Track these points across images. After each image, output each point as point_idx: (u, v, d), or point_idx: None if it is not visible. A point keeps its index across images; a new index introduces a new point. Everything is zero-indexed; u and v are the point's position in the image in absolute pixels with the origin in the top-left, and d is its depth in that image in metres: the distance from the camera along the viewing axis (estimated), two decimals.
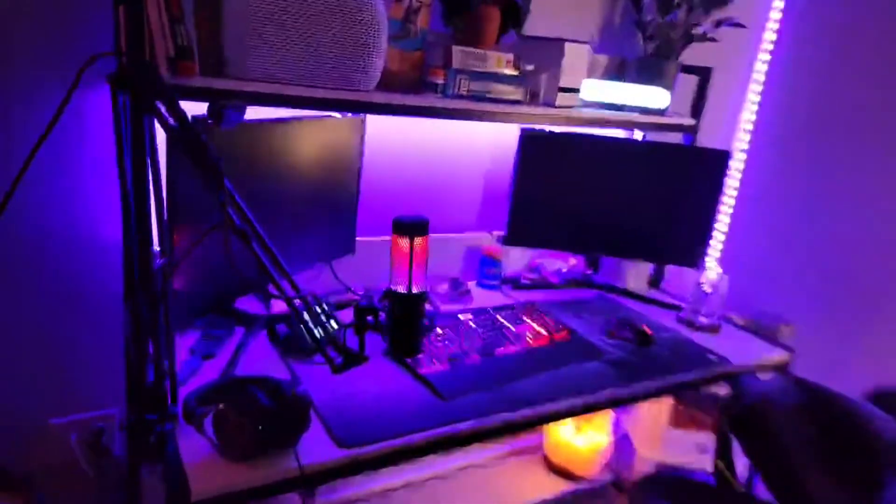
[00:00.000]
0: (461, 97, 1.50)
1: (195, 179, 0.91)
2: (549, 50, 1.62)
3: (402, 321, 1.09)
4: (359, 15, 1.25)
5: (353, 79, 1.30)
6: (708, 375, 1.55)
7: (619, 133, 2.09)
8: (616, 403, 1.41)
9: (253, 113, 1.27)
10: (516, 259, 2.01)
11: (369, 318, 1.06)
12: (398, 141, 1.71)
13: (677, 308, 1.89)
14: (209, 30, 1.15)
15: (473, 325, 1.53)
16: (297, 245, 1.45)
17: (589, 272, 2.09)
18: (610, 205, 1.89)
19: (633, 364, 1.50)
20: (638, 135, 2.13)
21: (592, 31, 1.93)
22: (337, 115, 1.48)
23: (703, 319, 1.79)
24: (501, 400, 1.28)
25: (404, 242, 1.03)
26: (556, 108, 1.64)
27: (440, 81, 1.47)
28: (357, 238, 1.66)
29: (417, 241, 1.05)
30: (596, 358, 1.51)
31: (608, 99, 1.82)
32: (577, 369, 1.44)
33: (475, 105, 1.50)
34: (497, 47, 1.61)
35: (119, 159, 0.93)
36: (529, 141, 1.80)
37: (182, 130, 0.87)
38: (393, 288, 1.07)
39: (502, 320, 1.59)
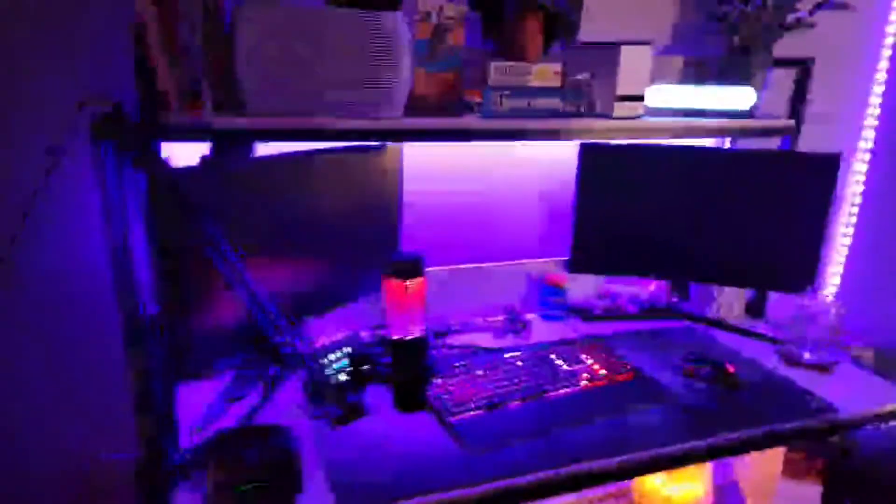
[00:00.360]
0: (501, 115, 1.38)
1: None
2: (604, 56, 1.46)
3: (399, 371, 0.99)
4: (376, 40, 1.17)
5: (373, 106, 1.22)
6: (806, 426, 1.28)
7: (707, 142, 1.85)
8: (681, 461, 1.20)
9: (275, 148, 1.25)
10: (587, 286, 1.83)
11: (366, 367, 0.97)
12: (444, 167, 1.62)
13: (779, 342, 1.61)
14: (221, 65, 1.13)
15: (521, 364, 1.39)
16: (339, 279, 1.39)
17: (675, 300, 1.85)
18: (692, 223, 1.66)
19: (708, 411, 1.29)
20: (729, 143, 1.88)
21: (663, 30, 1.73)
22: (373, 143, 1.41)
23: (808, 355, 1.51)
24: (542, 453, 1.13)
25: (396, 284, 0.93)
26: (613, 119, 1.46)
27: (477, 100, 1.36)
28: None
29: (411, 282, 0.94)
30: (662, 402, 1.30)
31: (682, 104, 1.61)
32: (638, 417, 1.25)
33: (518, 123, 1.37)
34: (545, 58, 1.47)
35: (103, 208, 0.92)
36: (590, 155, 1.64)
37: (159, 178, 0.83)
38: (388, 334, 0.97)
39: (555, 358, 1.43)
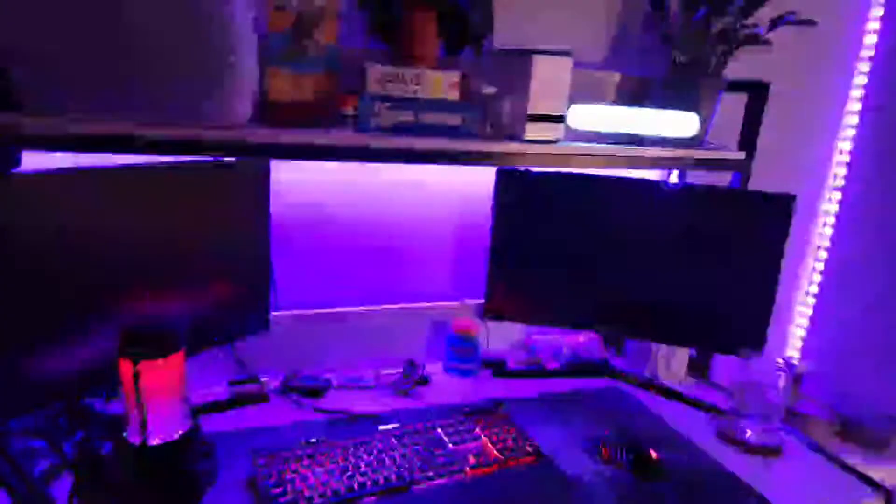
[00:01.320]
0: (381, 131, 1.12)
1: None
2: (515, 66, 1.21)
3: (151, 489, 0.69)
4: (197, 26, 0.91)
5: (200, 111, 0.96)
6: None
7: (652, 174, 1.61)
8: None
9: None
10: (511, 334, 1.57)
11: (98, 479, 0.68)
12: (332, 190, 1.35)
13: (720, 413, 1.36)
14: None
15: (394, 441, 1.12)
16: (179, 326, 1.10)
17: (606, 355, 1.59)
18: (626, 268, 1.40)
19: None
20: (676, 177, 1.64)
21: (599, 42, 1.49)
22: (230, 159, 1.14)
23: (750, 434, 1.26)
24: None
25: (127, 369, 0.65)
26: (525, 142, 1.21)
27: (350, 112, 1.11)
28: (276, 313, 1.30)
29: (151, 365, 0.66)
30: (565, 499, 1.04)
31: (615, 128, 1.36)
32: None
33: (401, 141, 1.12)
34: (445, 63, 1.22)
35: None
36: (507, 183, 1.38)
37: None
38: (129, 437, 0.68)
39: (441, 433, 1.16)
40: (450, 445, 1.13)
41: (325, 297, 1.40)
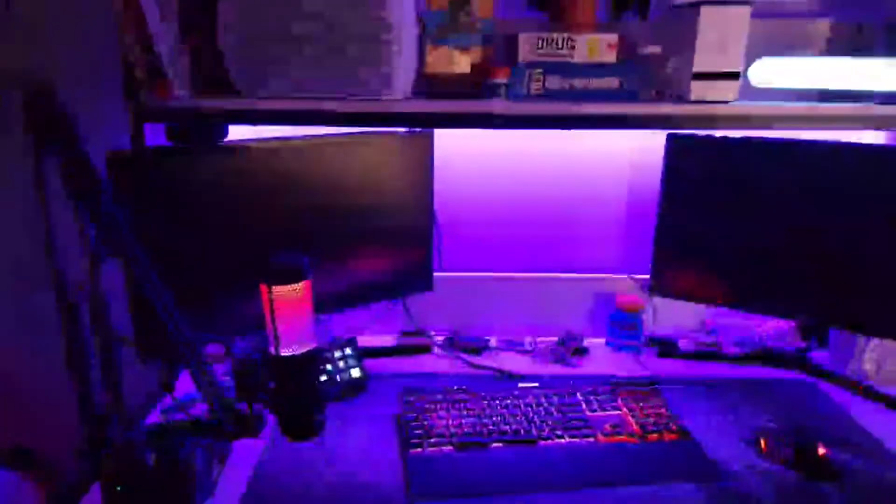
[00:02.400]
0: (533, 98, 1.15)
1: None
2: (681, 22, 1.14)
3: (279, 393, 0.83)
4: (366, 10, 1.04)
5: (367, 87, 1.10)
6: None
7: (868, 136, 1.36)
8: None
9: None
10: (684, 314, 1.47)
11: (252, 379, 0.84)
12: (498, 156, 1.41)
13: None
14: (204, 44, 1.10)
15: (531, 400, 1.15)
16: (354, 279, 1.28)
17: (803, 345, 1.40)
18: (836, 247, 1.22)
19: None
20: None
21: None
22: (399, 130, 1.27)
23: None
24: None
25: (266, 291, 0.78)
26: (691, 103, 1.13)
27: (501, 81, 1.15)
28: (439, 273, 1.41)
29: (281, 290, 0.79)
30: (707, 481, 0.97)
31: (814, 83, 1.19)
32: (667, 494, 0.94)
33: (554, 107, 1.13)
34: (607, 28, 1.19)
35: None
36: (680, 149, 1.30)
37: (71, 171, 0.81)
38: (269, 348, 0.82)
39: (581, 399, 1.16)
40: (587, 412, 1.12)
41: (489, 262, 1.48)
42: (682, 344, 1.43)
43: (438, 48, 1.16)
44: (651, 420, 1.10)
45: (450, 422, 1.08)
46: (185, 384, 1.17)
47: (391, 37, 1.06)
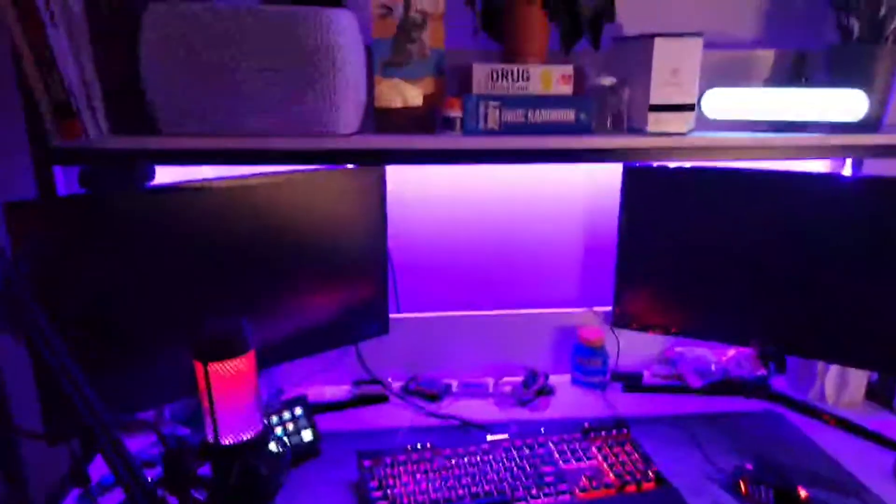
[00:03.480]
0: (489, 131, 1.09)
1: None
2: (635, 52, 1.11)
3: (221, 486, 0.72)
4: (304, 41, 0.96)
5: (314, 122, 1.01)
6: None
7: (820, 165, 1.38)
8: None
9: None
10: (648, 345, 1.44)
11: (179, 470, 0.72)
12: (454, 188, 1.34)
13: None
14: (123, 73, 0.98)
15: (502, 453, 1.07)
16: (302, 326, 1.18)
17: (764, 373, 1.39)
18: (792, 275, 1.21)
19: None
20: (849, 169, 1.39)
21: (751, 18, 1.31)
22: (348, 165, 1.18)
23: None
24: None
25: (199, 369, 0.68)
26: (648, 135, 1.10)
27: (455, 115, 1.09)
28: (394, 315, 1.33)
29: (219, 367, 0.69)
30: None
31: (762, 114, 1.19)
32: None
33: (512, 142, 1.08)
34: (559, 58, 1.15)
35: None
36: (637, 181, 1.27)
37: None
38: (206, 434, 0.71)
39: (553, 449, 1.09)
40: (561, 463, 1.06)
41: (446, 301, 1.40)
42: (646, 377, 1.39)
43: (387, 80, 1.09)
44: (627, 468, 1.04)
45: (415, 487, 0.99)
46: (101, 466, 1.03)
47: (339, 68, 0.98)
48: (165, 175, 1.07)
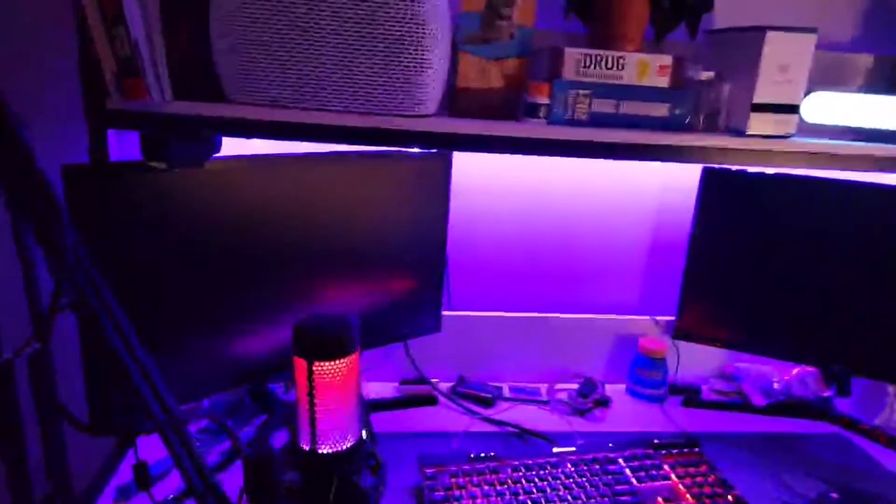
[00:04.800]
0: (575, 123, 1.01)
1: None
2: (741, 45, 1.03)
3: (311, 499, 0.64)
4: (389, 11, 0.87)
5: (390, 101, 0.92)
6: None
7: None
8: None
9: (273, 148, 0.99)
10: (706, 359, 1.37)
11: (266, 478, 0.64)
12: (515, 183, 1.26)
13: None
14: (191, 38, 0.89)
15: (570, 469, 1.00)
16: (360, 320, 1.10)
17: (828, 394, 1.33)
18: (866, 293, 1.15)
19: None
20: None
21: (850, 19, 1.23)
22: (412, 150, 1.10)
23: None
24: None
25: (301, 368, 0.60)
26: (746, 136, 1.03)
27: (542, 101, 1.00)
28: (448, 312, 1.25)
29: (325, 367, 0.60)
30: None
31: (862, 122, 1.11)
32: None
33: (602, 134, 1.00)
34: (654, 46, 1.07)
35: None
36: (715, 185, 1.19)
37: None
38: (299, 441, 0.64)
39: (624, 465, 1.02)
40: (634, 482, 0.99)
41: (500, 300, 1.32)
42: (704, 392, 1.32)
43: (471, 57, 1.00)
44: (705, 491, 0.98)
45: (484, 500, 0.91)
46: (144, 446, 0.95)
47: (425, 43, 0.89)
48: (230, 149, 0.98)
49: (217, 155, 0.91)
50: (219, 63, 0.89)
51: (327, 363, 0.60)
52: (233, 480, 0.88)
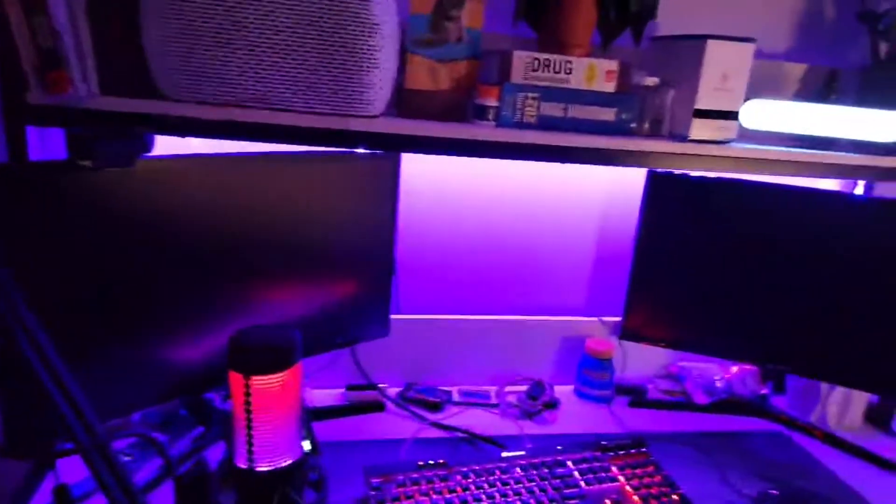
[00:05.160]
0: (524, 126, 1.00)
1: None
2: (683, 53, 1.05)
3: None
4: (337, 8, 0.84)
5: (336, 101, 0.89)
6: None
7: (829, 184, 1.37)
8: None
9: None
10: (652, 359, 1.39)
11: (199, 501, 0.61)
12: (463, 185, 1.25)
13: None
14: (123, 29, 0.84)
15: (520, 473, 0.99)
16: (298, 326, 1.06)
17: (766, 392, 1.37)
18: (801, 294, 1.19)
19: None
20: (862, 189, 1.39)
21: (781, 28, 1.27)
22: (359, 151, 1.07)
23: None
24: None
25: (237, 382, 0.57)
26: (688, 141, 1.05)
27: (491, 104, 1.00)
28: (396, 316, 1.22)
29: (263, 381, 0.58)
30: None
31: (798, 129, 1.15)
32: None
33: (550, 138, 0.99)
34: (600, 52, 1.08)
35: None
36: (660, 189, 1.21)
37: None
38: (235, 461, 0.61)
39: (573, 468, 1.02)
40: (583, 484, 0.99)
41: (448, 304, 1.31)
42: (650, 391, 1.35)
43: (420, 59, 0.99)
44: (652, 492, 0.99)
45: None
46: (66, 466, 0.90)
47: (376, 41, 0.87)
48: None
49: (149, 154, 0.86)
50: (151, 56, 0.84)
51: (265, 377, 0.57)
52: (166, 499, 0.83)
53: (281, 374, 0.57)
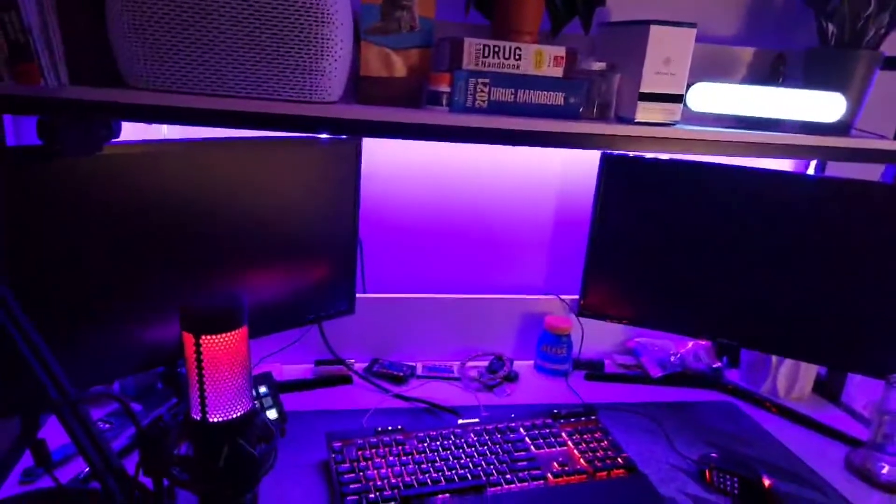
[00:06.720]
0: (475, 110, 1.05)
1: None
2: (628, 38, 1.10)
3: (200, 471, 0.66)
4: (288, 9, 0.89)
5: (294, 87, 0.94)
6: None
7: (784, 164, 1.43)
8: None
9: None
10: (609, 335, 1.46)
11: (158, 450, 0.67)
12: (425, 167, 1.30)
13: (856, 443, 1.18)
14: (91, 20, 0.89)
15: (474, 438, 1.06)
16: (265, 303, 1.12)
17: (719, 365, 1.44)
18: (751, 270, 1.25)
19: None
20: (813, 169, 1.44)
21: (733, 14, 1.32)
22: (321, 136, 1.13)
23: (889, 471, 1.08)
24: None
25: (189, 342, 0.63)
26: (635, 124, 1.10)
27: (443, 90, 1.05)
28: (360, 294, 1.28)
29: (213, 340, 0.64)
30: None
31: (745, 110, 1.20)
32: None
33: (501, 122, 1.04)
34: (550, 38, 1.13)
35: None
36: (614, 170, 1.27)
37: None
38: (191, 413, 0.66)
39: (525, 434, 1.08)
40: (532, 448, 1.05)
41: (414, 283, 1.37)
42: (607, 366, 1.41)
43: (374, 47, 1.03)
44: (598, 455, 1.05)
45: (388, 470, 0.96)
46: (51, 432, 0.96)
47: (329, 29, 0.91)
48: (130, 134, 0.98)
49: (116, 139, 0.91)
50: (116, 47, 0.89)
51: (212, 336, 0.62)
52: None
53: (227, 334, 0.63)
